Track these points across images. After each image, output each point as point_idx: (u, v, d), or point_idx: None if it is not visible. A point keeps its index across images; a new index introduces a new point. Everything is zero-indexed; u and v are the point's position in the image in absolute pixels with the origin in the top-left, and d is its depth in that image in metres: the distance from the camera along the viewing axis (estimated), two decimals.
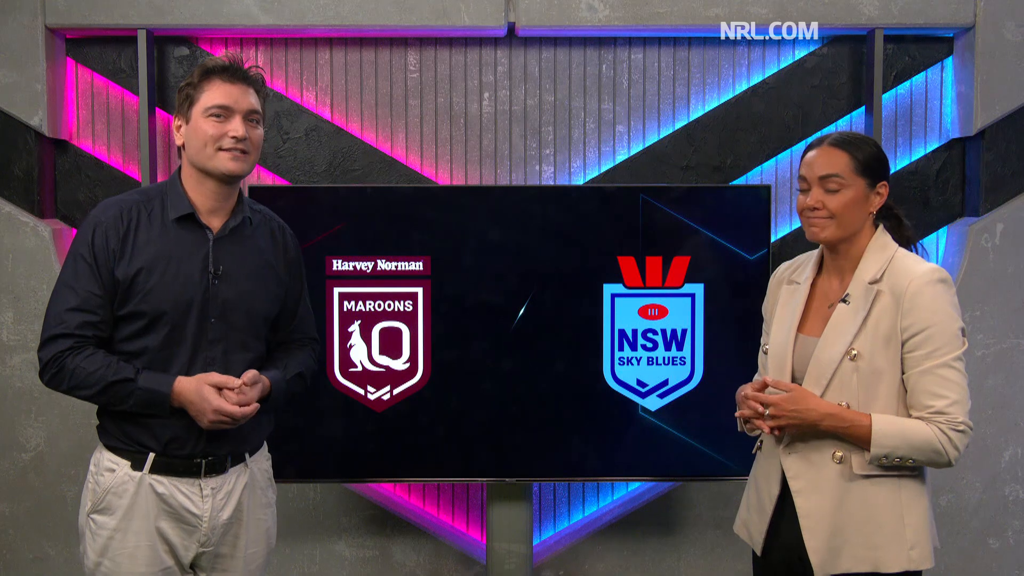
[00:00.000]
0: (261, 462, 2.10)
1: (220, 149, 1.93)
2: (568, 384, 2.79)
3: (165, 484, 1.94)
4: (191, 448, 1.94)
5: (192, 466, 1.96)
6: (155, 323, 1.92)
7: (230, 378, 1.91)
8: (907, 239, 1.97)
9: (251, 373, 1.94)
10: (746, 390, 1.93)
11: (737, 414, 1.97)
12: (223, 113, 1.94)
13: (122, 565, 1.93)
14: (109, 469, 1.95)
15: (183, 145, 1.97)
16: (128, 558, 1.93)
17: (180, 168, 2.02)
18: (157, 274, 1.92)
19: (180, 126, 1.98)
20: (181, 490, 1.95)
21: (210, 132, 1.93)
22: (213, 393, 1.88)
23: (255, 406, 1.93)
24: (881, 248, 1.90)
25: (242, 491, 2.02)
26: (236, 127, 1.94)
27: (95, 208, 1.98)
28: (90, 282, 1.90)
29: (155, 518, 1.94)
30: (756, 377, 2.10)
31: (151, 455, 1.94)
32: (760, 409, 1.88)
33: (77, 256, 1.93)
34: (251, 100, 1.97)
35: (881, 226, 1.94)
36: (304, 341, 2.20)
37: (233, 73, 1.96)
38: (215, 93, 1.94)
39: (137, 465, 1.94)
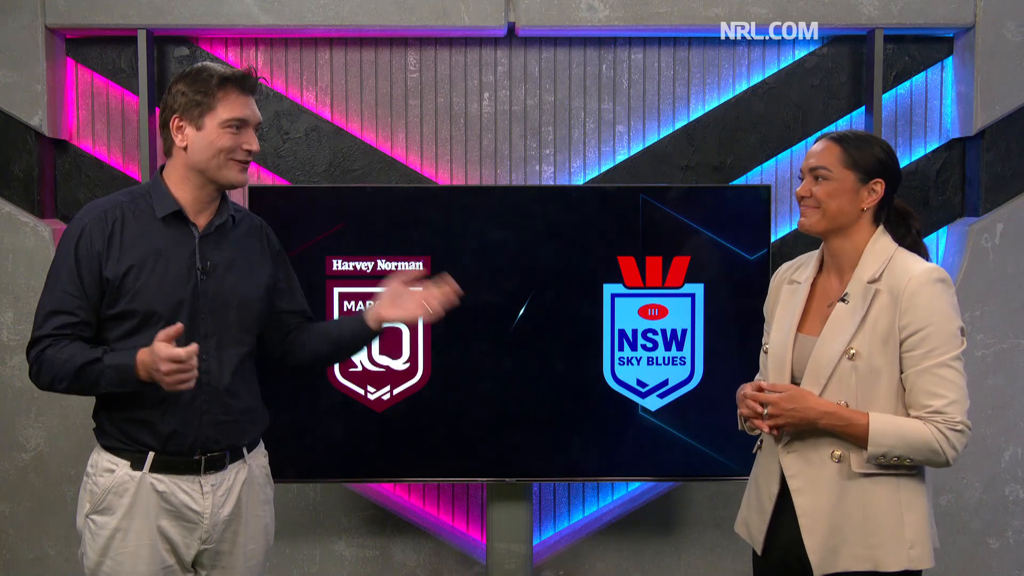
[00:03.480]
0: (259, 459, 2.11)
1: (231, 159, 1.95)
2: (568, 384, 2.79)
3: (165, 482, 1.95)
4: (190, 443, 1.95)
5: (192, 463, 1.96)
6: (147, 321, 1.93)
7: (173, 327, 1.82)
8: (915, 232, 1.97)
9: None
10: (746, 389, 1.94)
11: (739, 408, 1.97)
12: (241, 125, 1.96)
13: (124, 565, 1.94)
14: (108, 470, 1.96)
15: (185, 147, 1.96)
16: (130, 557, 1.94)
17: (163, 167, 2.03)
18: (146, 272, 1.93)
19: (183, 127, 1.96)
20: (182, 488, 1.96)
21: (226, 143, 1.94)
22: (162, 345, 1.80)
23: (193, 347, 1.83)
24: (881, 247, 1.91)
25: (241, 487, 2.03)
26: (251, 141, 1.98)
27: (80, 210, 1.99)
28: (69, 284, 1.91)
29: (156, 517, 1.95)
30: (757, 377, 2.10)
31: (151, 454, 1.94)
32: (759, 409, 1.88)
33: (60, 258, 1.95)
34: (258, 111, 2.01)
35: (881, 226, 1.94)
36: (304, 321, 2.22)
37: (247, 85, 1.97)
38: (233, 105, 1.95)
39: (137, 464, 1.95)
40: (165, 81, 3.08)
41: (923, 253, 1.95)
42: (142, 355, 1.86)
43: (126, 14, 2.95)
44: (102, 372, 1.88)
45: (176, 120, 1.97)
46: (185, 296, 1.95)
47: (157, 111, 3.03)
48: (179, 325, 1.85)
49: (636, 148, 3.14)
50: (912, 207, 2.01)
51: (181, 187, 1.99)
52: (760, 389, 1.90)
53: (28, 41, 2.95)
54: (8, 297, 3.02)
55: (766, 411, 1.87)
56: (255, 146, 1.98)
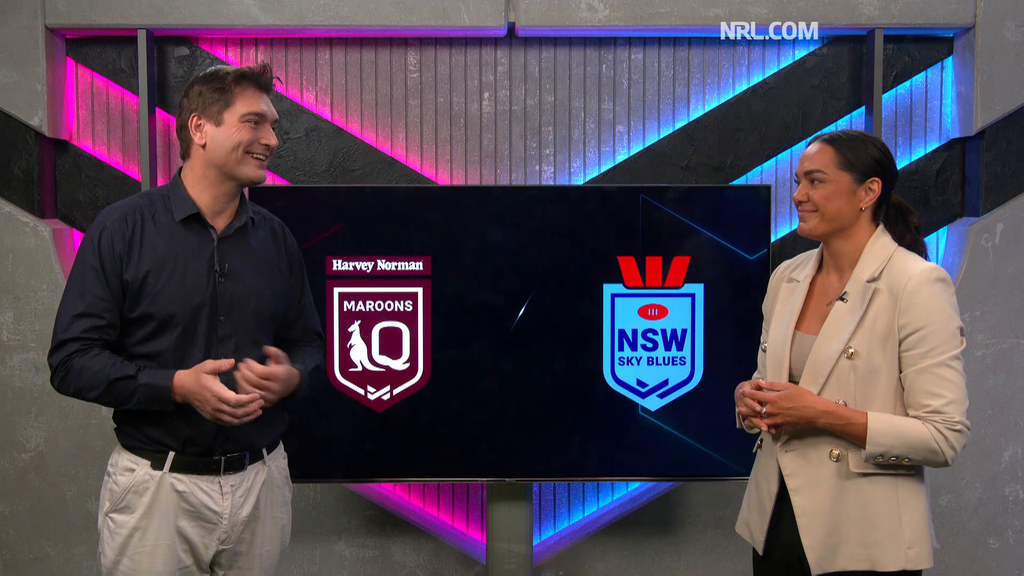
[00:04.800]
0: (278, 460, 2.12)
1: (249, 154, 1.97)
2: (568, 384, 2.79)
3: (185, 482, 1.95)
4: (209, 444, 1.96)
5: (211, 463, 1.97)
6: (166, 325, 1.94)
7: (223, 361, 1.90)
8: (914, 228, 1.97)
9: (274, 361, 1.94)
10: (744, 388, 1.94)
11: (737, 406, 1.97)
12: (259, 120, 1.98)
13: (141, 564, 1.94)
14: (128, 469, 1.96)
15: (204, 145, 1.97)
16: (147, 557, 1.94)
17: (181, 169, 2.03)
18: (165, 276, 1.94)
19: (202, 124, 1.97)
20: (201, 488, 1.96)
21: (245, 137, 1.96)
22: (211, 379, 1.87)
23: (254, 395, 1.92)
24: (880, 247, 1.91)
25: (260, 488, 2.04)
26: (269, 135, 2.00)
27: (100, 213, 2.00)
28: (96, 286, 1.92)
29: (175, 517, 1.95)
30: (755, 375, 2.10)
31: (171, 453, 1.95)
32: (757, 407, 1.88)
33: (83, 261, 1.94)
34: (274, 109, 2.03)
35: (881, 225, 1.94)
36: (311, 337, 2.22)
37: (263, 81, 2.00)
38: (251, 100, 1.97)
39: (157, 464, 1.95)
40: (165, 81, 3.09)
41: (922, 251, 1.95)
42: (184, 381, 1.89)
43: (126, 14, 2.95)
44: (135, 390, 1.90)
45: (195, 118, 1.98)
46: (204, 299, 1.96)
47: (159, 112, 3.07)
48: (231, 361, 1.90)
49: (636, 148, 3.14)
50: (911, 205, 2.01)
51: (199, 188, 2.00)
52: (759, 388, 1.90)
53: (28, 41, 2.95)
54: (8, 297, 3.02)
55: (764, 410, 1.87)
56: (273, 140, 2.01)
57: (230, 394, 1.87)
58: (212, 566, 2.02)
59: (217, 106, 1.96)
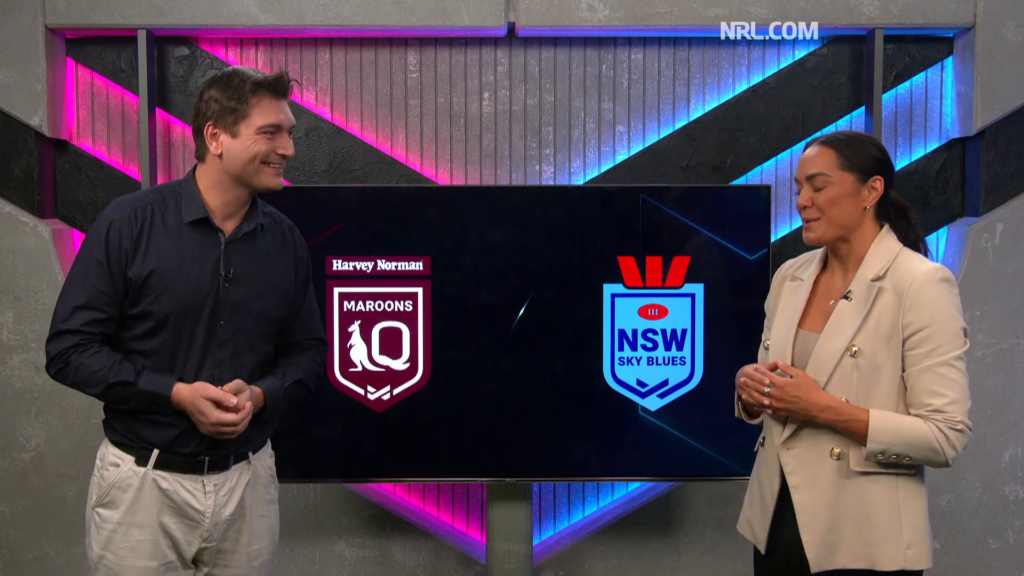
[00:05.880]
0: (264, 459, 2.11)
1: (265, 164, 1.96)
2: (568, 384, 2.79)
3: (169, 480, 1.96)
4: (195, 446, 1.96)
5: (195, 463, 1.97)
6: (165, 324, 1.93)
7: (226, 395, 1.91)
8: (915, 224, 1.97)
9: (236, 383, 1.95)
10: (748, 369, 1.93)
11: (737, 390, 1.96)
12: (275, 131, 1.96)
13: (125, 559, 1.95)
14: (114, 464, 1.97)
15: (220, 155, 1.95)
16: (131, 551, 1.95)
17: (195, 168, 2.02)
18: (169, 276, 1.93)
19: (217, 134, 1.95)
20: (185, 486, 1.96)
21: (261, 149, 1.94)
22: (209, 407, 1.89)
23: (248, 407, 1.94)
24: (886, 246, 1.91)
25: (245, 488, 2.03)
26: (286, 145, 1.98)
27: (109, 206, 1.99)
28: (100, 280, 1.91)
29: (158, 513, 1.95)
30: None
31: (155, 451, 1.95)
32: (765, 382, 1.87)
33: (89, 252, 1.94)
34: (291, 115, 2.01)
35: (886, 225, 1.94)
36: (309, 343, 2.20)
37: (280, 89, 1.97)
38: (268, 111, 1.94)
39: (141, 461, 1.95)
40: (165, 81, 3.09)
41: (925, 250, 1.96)
42: (181, 398, 1.91)
43: (126, 14, 2.95)
44: (133, 395, 1.91)
45: (210, 128, 1.95)
46: (205, 303, 1.95)
47: (159, 111, 3.07)
48: (234, 400, 1.91)
49: (636, 148, 3.14)
50: (907, 202, 2.01)
51: (212, 192, 1.98)
52: (774, 368, 1.89)
53: (28, 41, 2.95)
54: (8, 297, 3.02)
55: (768, 390, 1.86)
56: (290, 150, 1.98)
57: (231, 416, 1.90)
58: (195, 562, 2.02)
59: (232, 117, 1.93)
